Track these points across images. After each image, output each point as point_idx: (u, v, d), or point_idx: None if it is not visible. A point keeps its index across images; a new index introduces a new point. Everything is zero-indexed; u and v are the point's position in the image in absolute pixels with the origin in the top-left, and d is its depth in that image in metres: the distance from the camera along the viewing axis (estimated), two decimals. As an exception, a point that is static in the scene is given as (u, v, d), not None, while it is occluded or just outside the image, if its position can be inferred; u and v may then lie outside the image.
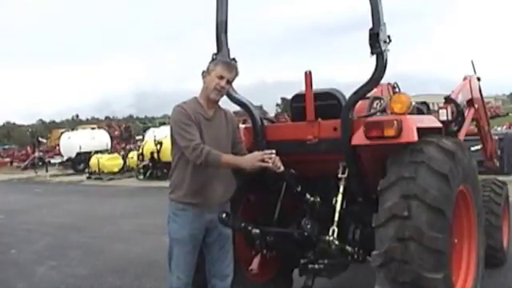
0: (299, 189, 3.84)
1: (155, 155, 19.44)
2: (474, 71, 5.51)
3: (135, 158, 21.79)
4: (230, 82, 3.49)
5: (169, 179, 3.57)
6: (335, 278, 4.00)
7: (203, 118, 3.41)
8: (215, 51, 3.93)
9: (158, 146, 19.17)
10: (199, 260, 3.54)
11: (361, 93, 3.59)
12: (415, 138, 3.27)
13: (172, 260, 3.47)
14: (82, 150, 26.61)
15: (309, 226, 3.69)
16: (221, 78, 3.40)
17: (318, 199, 3.87)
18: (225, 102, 3.94)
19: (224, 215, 3.43)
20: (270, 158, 3.26)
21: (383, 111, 4.02)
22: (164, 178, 16.62)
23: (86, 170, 24.35)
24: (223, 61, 3.56)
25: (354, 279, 4.88)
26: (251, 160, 3.30)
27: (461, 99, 4.75)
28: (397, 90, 4.75)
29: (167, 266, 3.53)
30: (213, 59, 3.87)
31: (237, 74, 3.55)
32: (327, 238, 3.58)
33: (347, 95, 3.75)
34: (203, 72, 3.48)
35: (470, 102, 5.14)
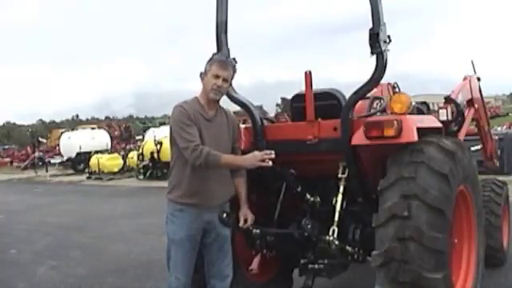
0: (299, 189, 3.84)
1: (155, 155, 19.45)
2: (474, 71, 5.51)
3: (135, 158, 21.80)
4: (227, 80, 3.44)
5: (167, 179, 3.57)
6: (335, 277, 4.00)
7: (203, 119, 3.40)
8: (215, 51, 3.93)
9: (158, 146, 19.18)
10: (198, 260, 3.54)
11: (361, 93, 3.59)
12: (415, 138, 3.27)
13: (170, 261, 3.47)
14: (82, 150, 26.62)
15: (309, 226, 3.69)
16: (216, 77, 3.37)
17: (318, 199, 3.87)
18: (225, 102, 3.94)
19: (224, 215, 3.44)
20: (270, 159, 3.27)
21: (383, 111, 4.02)
22: (164, 178, 16.61)
23: (86, 170, 24.36)
24: (218, 59, 3.47)
25: (354, 279, 4.88)
26: (251, 160, 3.29)
27: (461, 99, 4.75)
28: (397, 89, 4.75)
29: (166, 266, 3.53)
30: (210, 59, 3.87)
31: (234, 71, 3.52)
32: (327, 237, 3.58)
33: (347, 95, 3.75)
34: (201, 73, 3.46)
35: (470, 102, 5.14)
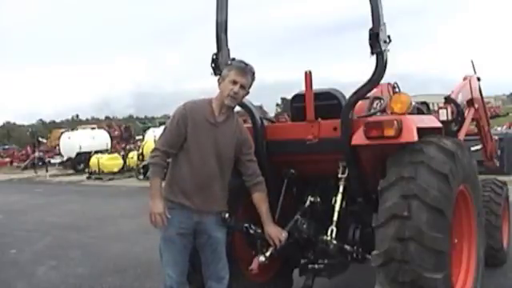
0: (299, 189, 3.84)
1: (155, 155, 19.41)
2: (474, 71, 5.52)
3: (135, 158, 21.80)
4: (244, 87, 3.42)
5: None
6: (335, 277, 4.00)
7: (207, 122, 3.39)
8: (215, 51, 3.93)
9: (158, 146, 19.14)
10: (197, 260, 3.55)
11: (361, 93, 3.59)
12: (415, 138, 3.27)
13: (162, 258, 3.47)
14: (82, 150, 26.62)
15: (305, 226, 3.70)
16: (234, 83, 3.36)
17: (318, 199, 3.87)
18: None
19: (226, 215, 3.44)
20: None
21: (383, 111, 4.03)
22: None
23: (86, 170, 24.36)
24: (237, 66, 3.43)
25: (354, 279, 4.87)
26: (154, 208, 3.29)
27: (461, 99, 4.76)
28: (397, 90, 4.75)
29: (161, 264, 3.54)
30: (213, 59, 3.86)
31: (253, 78, 3.47)
32: (325, 237, 3.58)
33: (347, 95, 3.75)
34: (219, 78, 3.45)
35: (470, 102, 5.15)
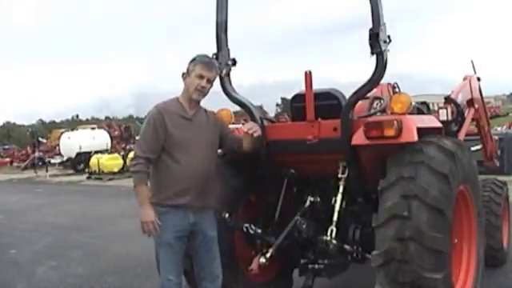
0: (299, 189, 3.85)
1: (155, 155, 19.41)
2: (474, 71, 5.52)
3: (135, 158, 21.77)
4: (210, 81, 3.43)
5: (149, 182, 3.47)
6: (335, 277, 4.00)
7: (182, 118, 3.38)
8: (215, 51, 3.94)
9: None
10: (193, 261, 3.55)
11: (361, 93, 3.59)
12: (415, 138, 3.27)
13: (160, 263, 3.44)
14: (82, 150, 26.64)
15: (305, 226, 3.70)
16: (201, 77, 3.36)
17: (318, 199, 3.87)
18: (225, 102, 3.95)
19: (226, 215, 3.44)
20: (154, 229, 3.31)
21: (383, 111, 4.03)
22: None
23: (86, 170, 24.38)
24: (202, 60, 3.44)
25: (354, 279, 4.88)
26: (144, 216, 3.33)
27: (461, 99, 4.76)
28: (397, 90, 4.75)
29: (157, 269, 3.51)
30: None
31: (217, 72, 3.52)
32: (325, 237, 3.58)
33: (347, 95, 3.75)
34: (183, 73, 3.44)
35: (470, 102, 5.15)
